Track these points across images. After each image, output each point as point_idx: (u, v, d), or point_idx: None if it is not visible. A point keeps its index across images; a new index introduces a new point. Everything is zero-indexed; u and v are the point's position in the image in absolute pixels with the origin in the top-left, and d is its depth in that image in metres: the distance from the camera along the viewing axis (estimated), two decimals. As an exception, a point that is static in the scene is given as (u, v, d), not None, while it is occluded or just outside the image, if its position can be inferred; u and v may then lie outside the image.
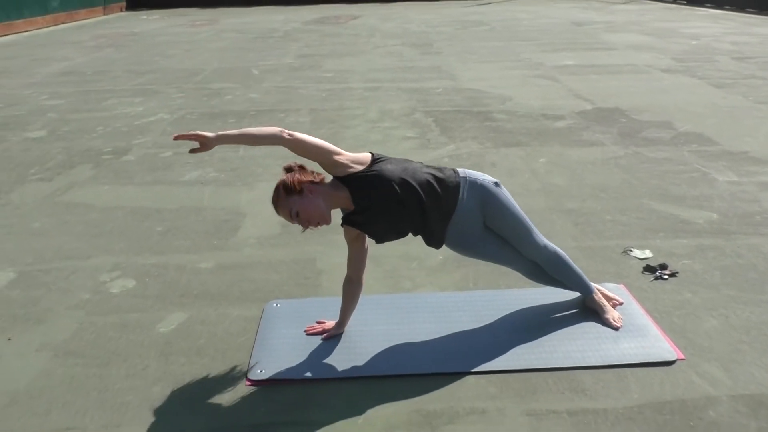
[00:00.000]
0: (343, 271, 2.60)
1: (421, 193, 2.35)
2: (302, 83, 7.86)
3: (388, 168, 2.35)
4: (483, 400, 2.19)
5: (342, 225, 2.44)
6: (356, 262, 2.51)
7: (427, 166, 2.47)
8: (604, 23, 13.50)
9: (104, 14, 19.15)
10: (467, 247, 2.52)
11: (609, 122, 5.72)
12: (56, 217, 3.92)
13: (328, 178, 2.42)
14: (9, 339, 2.63)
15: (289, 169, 2.38)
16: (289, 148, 2.31)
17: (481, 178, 2.48)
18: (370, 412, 2.14)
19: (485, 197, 2.45)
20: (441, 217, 2.42)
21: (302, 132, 2.35)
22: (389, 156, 2.45)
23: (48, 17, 16.10)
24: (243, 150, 5.13)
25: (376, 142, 5.28)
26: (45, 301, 2.92)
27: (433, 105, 6.57)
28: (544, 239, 2.58)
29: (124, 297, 2.95)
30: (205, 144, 2.29)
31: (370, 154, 2.40)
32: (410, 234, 2.50)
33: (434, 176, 2.40)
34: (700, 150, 4.87)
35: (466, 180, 2.45)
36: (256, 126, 2.31)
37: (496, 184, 2.49)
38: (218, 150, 5.14)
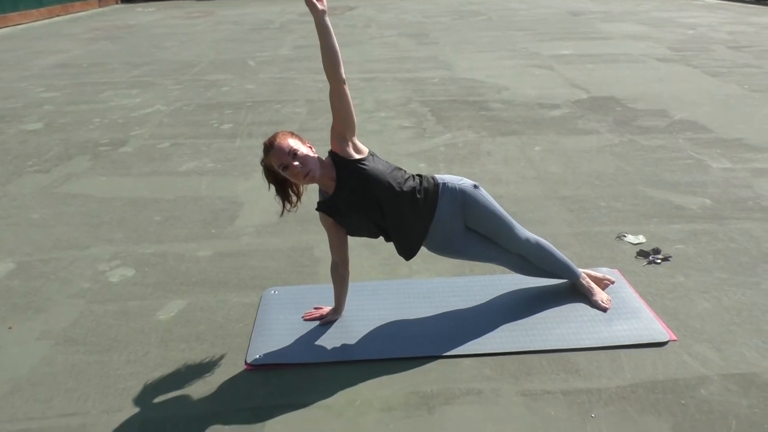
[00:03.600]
0: (340, 259, 2.62)
1: (404, 201, 2.37)
2: (298, 74, 7.87)
3: (379, 168, 2.36)
4: (479, 381, 2.23)
5: (317, 210, 2.46)
6: (338, 247, 2.52)
7: (412, 177, 2.46)
8: (600, 13, 13.49)
9: (99, 6, 19.08)
10: (451, 250, 2.54)
11: (604, 111, 5.75)
12: (54, 208, 3.94)
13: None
14: (10, 328, 2.66)
15: None
16: (335, 86, 2.27)
17: (459, 183, 2.48)
18: (367, 394, 2.18)
19: (465, 201, 2.46)
20: (420, 225, 2.44)
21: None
22: (383, 159, 2.46)
23: (43, 10, 16.05)
24: (240, 140, 5.15)
25: (372, 132, 5.30)
26: (45, 291, 2.95)
27: (429, 95, 6.58)
28: (525, 232, 2.60)
29: (124, 285, 2.98)
30: (319, 11, 2.22)
31: (367, 149, 2.41)
32: (382, 238, 2.52)
33: (417, 187, 2.41)
34: (694, 137, 4.90)
35: (446, 186, 2.45)
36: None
37: (475, 187, 2.49)
38: (215, 141, 5.17)
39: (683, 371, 2.23)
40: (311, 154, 2.33)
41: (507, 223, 2.53)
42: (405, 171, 2.47)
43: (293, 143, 2.29)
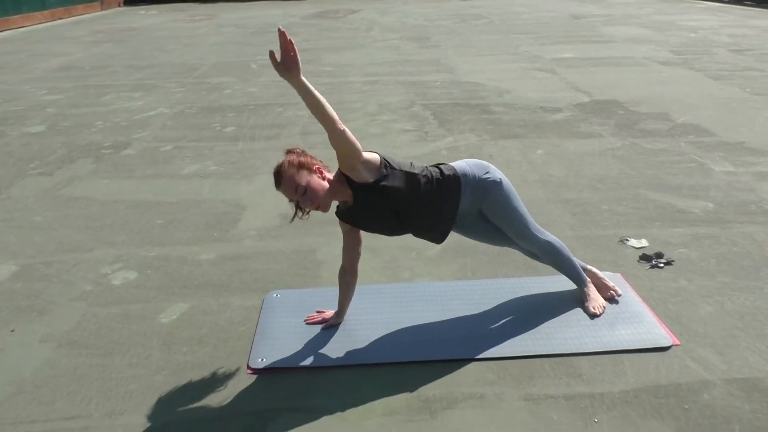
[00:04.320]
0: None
1: (423, 208, 2.37)
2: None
3: (396, 185, 2.30)
4: (481, 385, 2.22)
5: (336, 215, 2.47)
6: (351, 252, 2.53)
7: (431, 180, 2.38)
8: (602, 16, 13.50)
9: (102, 9, 19.12)
10: (468, 229, 2.58)
11: (607, 114, 5.75)
12: (57, 210, 3.94)
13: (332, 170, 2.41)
14: (12, 331, 2.66)
15: (291, 152, 2.33)
16: (333, 135, 2.15)
17: (483, 175, 2.45)
18: (370, 398, 2.17)
19: (485, 195, 2.45)
20: (442, 227, 2.46)
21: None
22: (394, 159, 2.37)
23: (46, 12, 16.09)
24: (242, 144, 5.16)
25: (375, 135, 5.31)
26: (48, 293, 2.95)
27: (432, 98, 6.59)
28: (540, 233, 2.59)
29: (126, 288, 2.98)
30: (290, 68, 2.05)
31: (378, 157, 2.31)
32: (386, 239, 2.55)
33: (437, 190, 2.38)
34: (696, 141, 4.90)
35: (467, 183, 2.43)
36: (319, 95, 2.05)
37: (500, 182, 2.46)
38: (218, 144, 5.17)
39: (686, 376, 2.23)
40: (322, 184, 2.27)
41: (524, 222, 2.53)
42: (421, 173, 2.38)
43: (301, 177, 2.24)
